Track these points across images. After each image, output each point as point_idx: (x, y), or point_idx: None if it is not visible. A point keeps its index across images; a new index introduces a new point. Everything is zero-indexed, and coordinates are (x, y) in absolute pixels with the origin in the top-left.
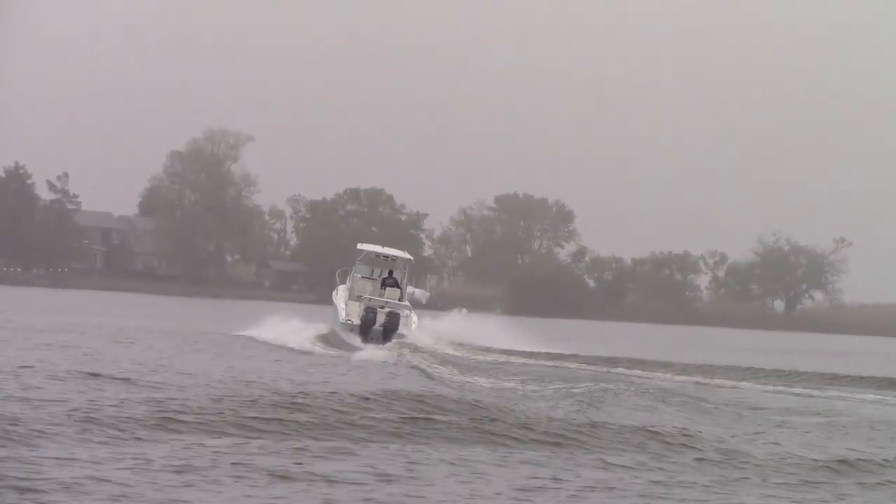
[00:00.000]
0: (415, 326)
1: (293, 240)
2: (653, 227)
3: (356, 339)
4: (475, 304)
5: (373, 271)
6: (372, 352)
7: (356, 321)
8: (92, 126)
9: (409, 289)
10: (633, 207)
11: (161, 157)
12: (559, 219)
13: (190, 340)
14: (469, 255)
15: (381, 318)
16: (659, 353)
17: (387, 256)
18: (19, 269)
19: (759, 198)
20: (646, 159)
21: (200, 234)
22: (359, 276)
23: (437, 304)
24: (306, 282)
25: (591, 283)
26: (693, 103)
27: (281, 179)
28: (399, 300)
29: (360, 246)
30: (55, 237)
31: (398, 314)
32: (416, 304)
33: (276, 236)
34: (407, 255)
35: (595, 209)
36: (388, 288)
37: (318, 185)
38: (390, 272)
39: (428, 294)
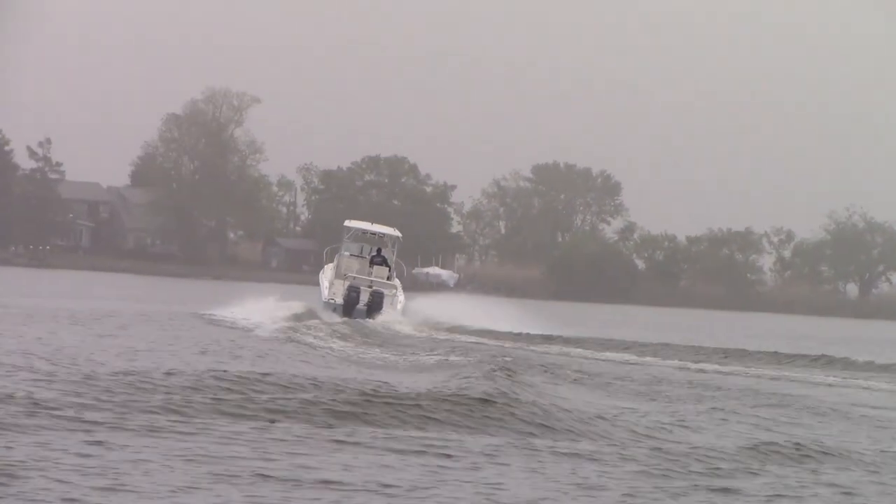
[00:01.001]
0: (400, 307)
1: (304, 214)
2: (710, 202)
3: (337, 319)
4: (510, 288)
5: (362, 249)
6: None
7: (339, 300)
8: (78, 85)
9: (435, 270)
10: (687, 179)
11: (156, 121)
12: (604, 191)
13: (131, 323)
14: (503, 231)
15: (364, 298)
16: (711, 341)
17: (374, 234)
18: None
19: (830, 168)
20: (701, 126)
21: (200, 207)
22: (347, 254)
23: (467, 286)
24: (319, 261)
25: (641, 263)
26: (757, 68)
27: (290, 146)
28: (387, 279)
29: (346, 223)
30: (36, 211)
31: (382, 293)
32: (444, 287)
33: (284, 210)
34: (396, 233)
35: (645, 181)
36: (375, 266)
37: (333, 153)
38: (378, 250)
39: (456, 276)
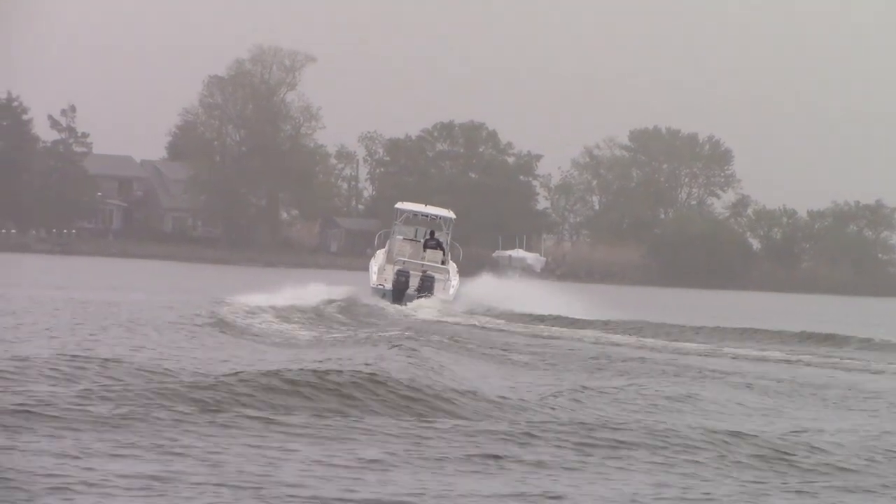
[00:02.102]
0: (453, 291)
1: (367, 190)
2: (835, 171)
3: (388, 306)
4: (605, 272)
5: (416, 232)
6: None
7: (388, 286)
8: (106, 45)
9: (519, 252)
10: (807, 146)
11: (196, 84)
12: (713, 160)
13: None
14: (596, 208)
15: (414, 282)
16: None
17: (426, 216)
18: (13, 231)
19: None
20: (819, 86)
21: (247, 184)
22: (400, 237)
23: (556, 271)
24: (374, 242)
25: (755, 243)
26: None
27: (351, 112)
28: (441, 263)
29: (398, 205)
30: (59, 189)
31: (433, 277)
32: (530, 272)
33: (345, 186)
34: (450, 214)
35: (759, 147)
36: (429, 250)
37: (400, 119)
38: (432, 233)
39: (543, 259)
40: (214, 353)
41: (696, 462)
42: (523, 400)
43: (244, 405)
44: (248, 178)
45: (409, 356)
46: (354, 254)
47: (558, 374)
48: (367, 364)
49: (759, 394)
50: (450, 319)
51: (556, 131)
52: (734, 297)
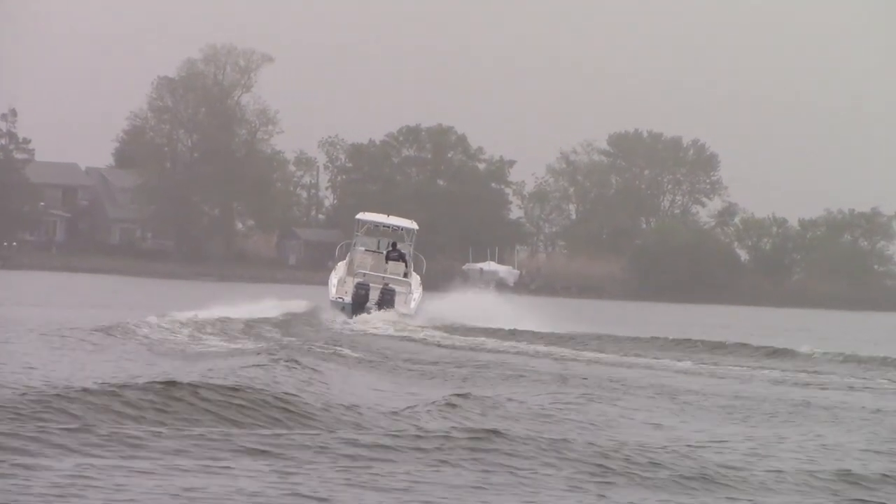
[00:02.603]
0: (414, 304)
1: (329, 199)
2: (828, 176)
3: (344, 320)
4: (583, 286)
5: (378, 244)
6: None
7: (347, 299)
8: (49, 45)
9: (491, 265)
10: (799, 150)
11: (144, 86)
12: (698, 166)
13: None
14: (573, 216)
15: (374, 295)
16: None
17: (388, 226)
18: None
19: None
20: (812, 85)
21: (200, 192)
22: (361, 249)
23: (530, 285)
24: (335, 254)
25: (743, 254)
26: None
27: (311, 116)
28: (404, 276)
29: (359, 216)
30: None
31: (393, 290)
32: (502, 286)
33: (304, 194)
34: (413, 225)
35: (747, 152)
36: (391, 262)
37: (363, 124)
38: (394, 244)
39: (517, 272)
40: (72, 367)
41: (512, 467)
42: (390, 410)
43: (76, 417)
44: (200, 187)
45: (285, 368)
46: (314, 267)
47: (444, 385)
48: (229, 375)
49: (645, 404)
50: (393, 333)
51: (529, 135)
52: (720, 311)
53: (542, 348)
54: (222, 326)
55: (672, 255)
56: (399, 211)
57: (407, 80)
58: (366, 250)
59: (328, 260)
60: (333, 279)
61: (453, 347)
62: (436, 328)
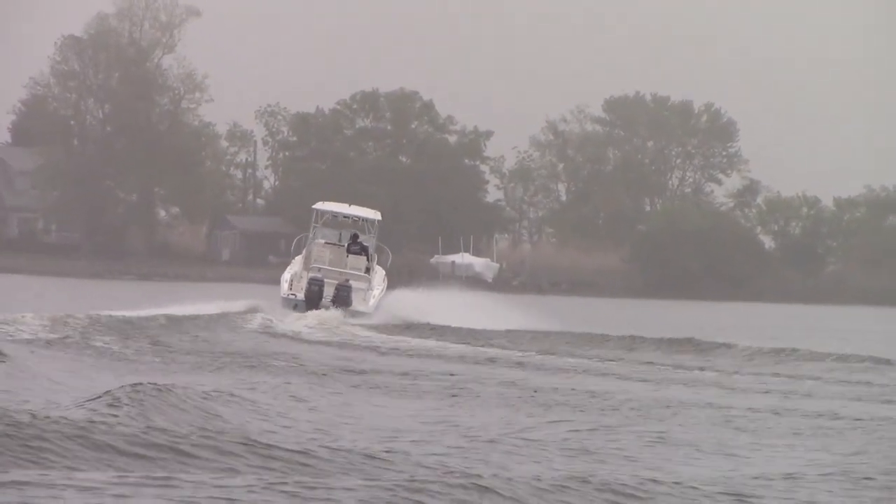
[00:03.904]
0: (373, 302)
1: (269, 180)
2: (868, 147)
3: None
4: (575, 281)
5: (340, 236)
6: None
7: (301, 296)
8: None
9: (465, 258)
10: (832, 116)
11: (46, 47)
12: (713, 134)
13: None
14: (563, 198)
15: (329, 291)
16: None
17: (346, 216)
18: None
19: None
20: (850, 40)
21: (113, 174)
22: (321, 241)
23: (513, 281)
24: (291, 249)
25: (768, 241)
26: None
27: (246, 81)
28: (366, 270)
29: (317, 206)
30: None
31: (349, 287)
32: (479, 282)
33: (240, 175)
34: (375, 215)
35: (770, 118)
36: (351, 256)
37: (309, 89)
38: (354, 236)
39: (496, 265)
40: None
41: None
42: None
43: None
44: (114, 167)
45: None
46: (252, 262)
47: (321, 389)
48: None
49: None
50: (322, 337)
51: (509, 101)
52: (739, 310)
53: (494, 351)
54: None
55: (682, 244)
56: (354, 194)
57: (361, 36)
58: (326, 243)
59: (269, 253)
60: (286, 275)
61: (370, 350)
62: (382, 329)
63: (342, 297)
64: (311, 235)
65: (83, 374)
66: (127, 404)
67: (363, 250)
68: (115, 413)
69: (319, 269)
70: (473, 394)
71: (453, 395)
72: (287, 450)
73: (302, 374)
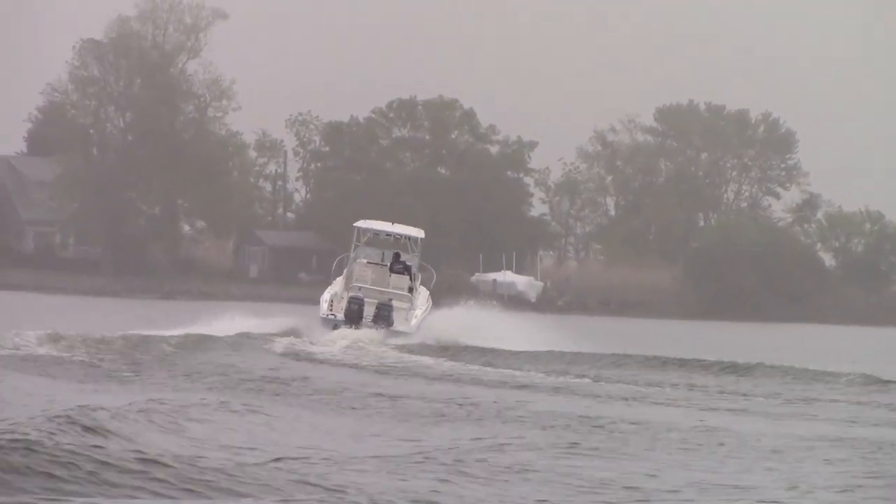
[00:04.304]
0: (415, 322)
1: (299, 193)
2: None
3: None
4: (625, 301)
5: (383, 255)
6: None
7: (340, 316)
8: None
9: (508, 275)
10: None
11: (64, 51)
12: (770, 145)
13: None
14: (612, 213)
15: (369, 311)
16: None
17: (389, 235)
18: None
19: None
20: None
21: (135, 185)
22: (363, 261)
23: (558, 301)
24: (324, 266)
25: (829, 258)
26: None
27: (276, 87)
28: (409, 291)
29: (358, 224)
30: None
31: (389, 306)
32: (521, 301)
33: (269, 187)
34: (418, 233)
35: (832, 129)
36: (394, 275)
37: (342, 96)
38: (396, 255)
39: (540, 284)
40: None
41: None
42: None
43: None
44: (136, 178)
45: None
46: (282, 279)
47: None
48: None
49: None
50: (348, 359)
51: (555, 110)
52: (800, 332)
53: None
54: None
55: (737, 261)
56: (390, 207)
57: (399, 40)
58: (368, 262)
59: (300, 271)
60: (326, 295)
61: (388, 372)
62: (417, 350)
63: (383, 316)
64: (352, 255)
65: (44, 393)
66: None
67: (406, 269)
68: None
69: (360, 289)
70: (438, 414)
71: (423, 417)
72: (170, 467)
73: (267, 393)
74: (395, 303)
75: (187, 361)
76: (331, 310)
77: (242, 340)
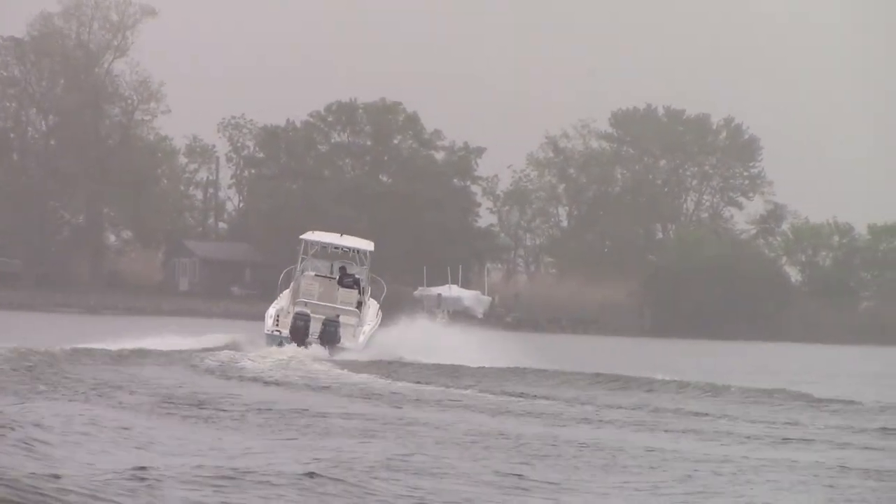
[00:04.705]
0: (363, 338)
1: (232, 202)
2: None
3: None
4: (579, 318)
5: (332, 268)
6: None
7: (285, 332)
8: None
9: (454, 290)
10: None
11: None
12: (733, 152)
13: None
14: (564, 224)
15: (316, 327)
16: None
17: (337, 247)
18: None
19: None
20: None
21: (58, 193)
22: (311, 273)
23: (506, 317)
24: (258, 279)
25: (794, 273)
26: None
27: (208, 90)
28: (358, 305)
29: (305, 236)
30: None
31: (336, 322)
32: (470, 316)
33: (200, 196)
34: (367, 245)
35: (797, 135)
36: (342, 289)
37: (279, 99)
38: (342, 268)
39: (487, 299)
40: None
41: None
42: None
43: None
44: (59, 186)
45: None
46: (214, 293)
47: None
48: None
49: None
50: (276, 376)
51: (503, 115)
52: (763, 350)
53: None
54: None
55: (697, 276)
56: (328, 217)
57: (339, 39)
58: (315, 275)
59: (233, 284)
60: (272, 310)
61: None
62: (352, 367)
63: (329, 333)
64: (299, 267)
65: None
66: None
67: (356, 283)
68: None
69: (306, 304)
70: (295, 426)
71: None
72: None
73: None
74: (342, 318)
75: (93, 375)
76: (276, 325)
77: (173, 355)
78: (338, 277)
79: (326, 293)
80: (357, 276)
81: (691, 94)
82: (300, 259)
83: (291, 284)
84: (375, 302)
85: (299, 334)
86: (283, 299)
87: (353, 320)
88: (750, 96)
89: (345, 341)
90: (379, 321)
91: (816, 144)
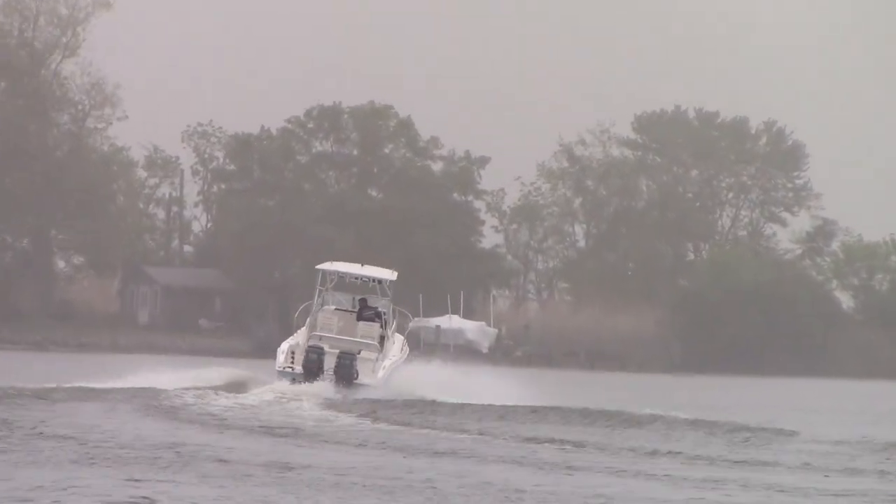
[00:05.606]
0: (383, 373)
1: (199, 221)
2: None
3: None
4: (597, 352)
5: (354, 301)
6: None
7: (298, 368)
8: None
9: (455, 320)
10: None
11: None
12: (774, 161)
13: None
14: (581, 243)
15: (330, 361)
16: None
17: (357, 277)
18: None
19: None
20: None
21: (0, 213)
22: (331, 307)
23: (515, 352)
24: (229, 309)
25: (846, 298)
26: None
27: (171, 92)
28: (380, 340)
29: (322, 266)
30: None
31: (352, 355)
32: (474, 351)
33: (161, 214)
34: (391, 275)
35: (848, 143)
36: (362, 323)
37: (251, 103)
38: (363, 300)
39: (493, 331)
40: None
41: None
42: None
43: None
44: (1, 205)
45: None
46: (178, 326)
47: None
48: None
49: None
50: (260, 414)
51: (511, 120)
52: (811, 387)
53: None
54: None
55: (735, 303)
56: (309, 238)
57: (322, 35)
58: (335, 309)
59: (200, 316)
60: (285, 346)
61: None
62: (345, 409)
63: (344, 367)
64: (316, 301)
65: None
66: None
67: (378, 316)
68: None
69: (321, 338)
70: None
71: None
72: None
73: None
74: (363, 353)
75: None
76: (290, 362)
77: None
78: (357, 310)
79: (346, 327)
80: (380, 308)
81: (721, 95)
82: (317, 292)
83: (307, 319)
84: (400, 336)
85: (312, 369)
86: (299, 335)
87: (373, 354)
88: (790, 97)
89: (363, 377)
90: (405, 356)
91: (869, 151)
